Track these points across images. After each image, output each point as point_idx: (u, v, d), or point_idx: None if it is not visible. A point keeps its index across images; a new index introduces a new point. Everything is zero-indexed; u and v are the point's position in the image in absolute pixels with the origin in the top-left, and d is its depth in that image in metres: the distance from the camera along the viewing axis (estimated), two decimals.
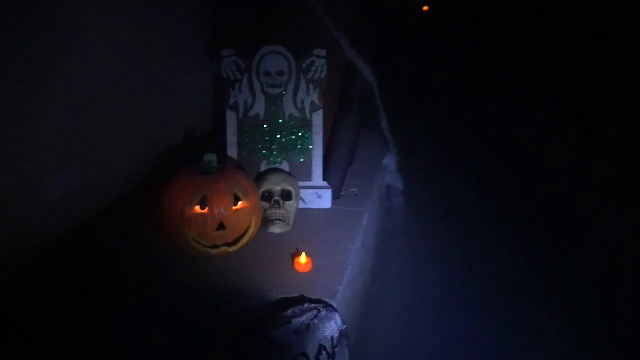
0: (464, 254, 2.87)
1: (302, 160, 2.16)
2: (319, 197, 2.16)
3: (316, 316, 1.57)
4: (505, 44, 3.45)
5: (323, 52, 2.12)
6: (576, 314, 2.48)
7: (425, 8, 4.49)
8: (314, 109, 2.15)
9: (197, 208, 1.75)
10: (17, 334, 1.50)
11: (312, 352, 1.56)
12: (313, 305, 1.60)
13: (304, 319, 1.56)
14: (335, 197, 2.21)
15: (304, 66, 2.12)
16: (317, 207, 2.16)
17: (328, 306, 1.61)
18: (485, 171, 3.31)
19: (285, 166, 2.16)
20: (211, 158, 1.84)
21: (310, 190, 2.15)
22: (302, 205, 2.11)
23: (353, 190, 2.34)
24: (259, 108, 2.14)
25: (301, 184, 2.12)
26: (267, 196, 2.00)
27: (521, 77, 3.42)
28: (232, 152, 2.15)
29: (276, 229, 1.97)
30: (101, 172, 2.02)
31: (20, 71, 1.60)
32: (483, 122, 3.53)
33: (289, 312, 1.57)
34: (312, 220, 2.09)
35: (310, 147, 2.16)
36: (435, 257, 2.81)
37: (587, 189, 2.92)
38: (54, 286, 1.67)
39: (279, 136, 2.15)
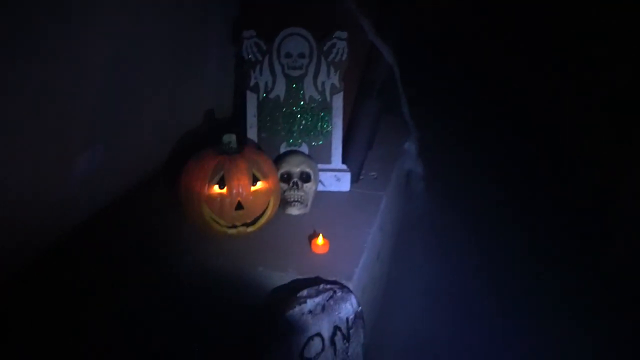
0: (483, 241, 2.86)
1: (321, 142, 2.16)
2: (338, 180, 2.16)
3: (331, 297, 1.58)
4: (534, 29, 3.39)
5: (344, 34, 2.11)
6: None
7: None
8: (334, 91, 2.14)
9: (216, 188, 1.77)
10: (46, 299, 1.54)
11: (327, 332, 1.58)
12: (329, 286, 1.61)
13: (319, 299, 1.57)
14: (354, 180, 2.21)
15: (324, 48, 2.12)
16: (336, 189, 2.16)
17: (343, 287, 1.62)
18: (510, 160, 3.28)
19: (305, 148, 2.16)
20: (230, 139, 1.85)
21: (329, 173, 2.15)
22: (320, 188, 2.11)
23: (372, 174, 2.33)
24: (280, 89, 2.14)
25: (320, 166, 2.13)
26: (286, 178, 2.01)
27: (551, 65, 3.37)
28: (252, 133, 2.15)
29: (294, 211, 1.98)
30: (125, 152, 2.04)
31: (44, 50, 1.61)
32: (508, 109, 3.48)
33: (305, 292, 1.58)
34: (331, 202, 2.09)
35: (330, 129, 2.16)
36: (455, 243, 2.81)
37: (617, 187, 2.88)
38: (76, 265, 1.70)
39: (298, 118, 2.15)
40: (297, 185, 1.99)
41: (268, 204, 1.85)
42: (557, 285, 2.61)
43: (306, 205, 2.00)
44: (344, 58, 2.13)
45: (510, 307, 2.50)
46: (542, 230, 2.92)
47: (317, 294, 1.57)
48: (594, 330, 2.35)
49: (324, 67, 2.13)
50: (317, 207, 2.04)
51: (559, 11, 3.11)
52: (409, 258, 2.71)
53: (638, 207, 2.75)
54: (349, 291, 1.63)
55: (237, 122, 2.27)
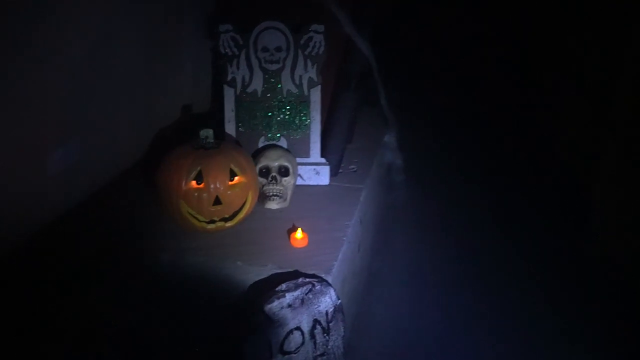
0: (465, 232, 2.88)
1: (299, 136, 2.16)
2: (317, 173, 2.15)
3: (310, 290, 1.58)
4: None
5: (321, 28, 2.10)
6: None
7: None
8: (312, 85, 2.14)
9: (194, 183, 1.75)
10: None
11: (306, 326, 1.58)
12: (308, 279, 1.61)
13: (298, 293, 1.57)
14: (334, 173, 2.21)
15: (301, 42, 2.11)
16: (315, 183, 2.16)
17: (322, 281, 1.62)
18: (489, 150, 3.30)
19: (283, 142, 2.16)
20: (207, 133, 1.83)
21: (308, 167, 2.15)
22: (299, 182, 2.11)
23: (352, 167, 2.34)
24: (257, 84, 2.13)
25: (299, 160, 2.12)
26: (265, 172, 2.00)
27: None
28: (230, 128, 2.14)
29: (273, 205, 1.97)
30: (101, 147, 2.02)
31: (15, 45, 1.59)
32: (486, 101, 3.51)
33: (284, 286, 1.58)
34: (310, 196, 2.09)
35: (308, 123, 2.15)
36: (435, 234, 2.82)
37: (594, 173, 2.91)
38: (51, 261, 1.68)
39: (276, 112, 2.14)
40: (276, 179, 1.98)
41: (246, 199, 1.84)
42: (538, 273, 2.64)
43: (285, 200, 1.99)
44: (321, 51, 2.12)
45: (490, 296, 2.52)
46: (522, 219, 2.95)
47: (296, 287, 1.57)
48: (576, 319, 2.38)
49: (301, 61, 2.12)
50: (296, 201, 2.03)
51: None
52: (390, 250, 2.72)
53: (615, 192, 2.78)
54: (328, 284, 1.62)
55: (215, 117, 2.26)
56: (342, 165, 2.32)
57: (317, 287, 1.59)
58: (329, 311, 1.62)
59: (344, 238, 1.86)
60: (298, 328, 1.56)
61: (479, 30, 3.35)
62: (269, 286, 1.60)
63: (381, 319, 2.37)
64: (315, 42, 2.12)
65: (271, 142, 2.15)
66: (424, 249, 2.72)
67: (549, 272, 2.64)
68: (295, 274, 1.65)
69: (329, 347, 1.62)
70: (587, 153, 2.94)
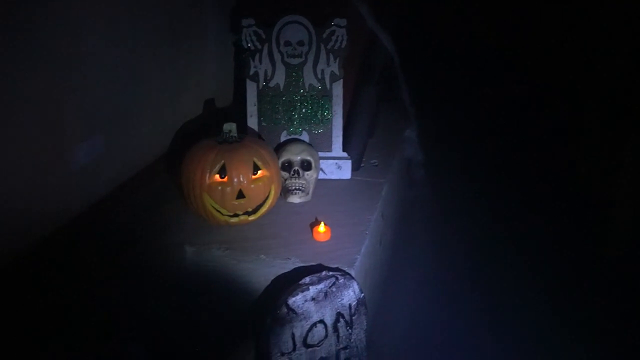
0: (484, 229, 2.86)
1: (321, 130, 2.16)
2: (339, 167, 2.16)
3: (334, 284, 1.58)
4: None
5: (343, 22, 2.10)
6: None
7: None
8: (334, 79, 2.14)
9: (217, 177, 1.77)
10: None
11: (329, 319, 1.58)
12: (331, 273, 1.61)
13: (321, 286, 1.57)
14: (355, 168, 2.21)
15: (324, 36, 2.11)
16: (337, 177, 2.16)
17: (345, 274, 1.62)
18: (508, 151, 3.27)
19: (305, 136, 2.16)
20: (230, 127, 1.84)
21: (330, 161, 2.15)
22: (321, 176, 2.11)
23: (373, 161, 2.33)
24: (279, 78, 2.13)
25: (321, 154, 2.12)
26: (287, 166, 2.00)
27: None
28: (252, 122, 2.15)
29: (295, 199, 1.98)
30: (125, 142, 2.04)
31: (42, 45, 1.61)
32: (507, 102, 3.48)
33: (307, 279, 1.58)
34: (332, 190, 2.09)
35: (330, 117, 2.15)
36: (453, 231, 2.81)
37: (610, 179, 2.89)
38: (78, 253, 1.70)
39: (298, 106, 2.15)
40: (298, 173, 1.98)
41: (269, 193, 1.85)
42: (554, 275, 2.62)
43: (307, 193, 2.00)
44: (343, 45, 2.12)
45: (504, 298, 2.51)
46: (540, 221, 2.92)
47: (320, 281, 1.58)
48: (588, 323, 2.37)
49: (323, 55, 2.12)
50: (318, 195, 2.04)
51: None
52: (410, 245, 2.72)
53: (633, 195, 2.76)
54: (351, 278, 1.63)
55: (238, 111, 2.27)
56: (364, 159, 2.31)
57: (341, 281, 1.59)
58: (352, 304, 1.62)
59: (367, 232, 1.86)
60: (321, 321, 1.57)
61: (504, 30, 3.32)
62: (293, 279, 1.61)
63: (399, 314, 2.37)
64: (337, 36, 2.11)
65: (293, 137, 2.15)
66: (444, 245, 2.71)
67: (567, 276, 2.61)
68: (318, 268, 1.65)
69: (352, 340, 1.62)
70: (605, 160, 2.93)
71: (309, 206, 1.98)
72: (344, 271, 1.64)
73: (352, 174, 2.18)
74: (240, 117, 2.13)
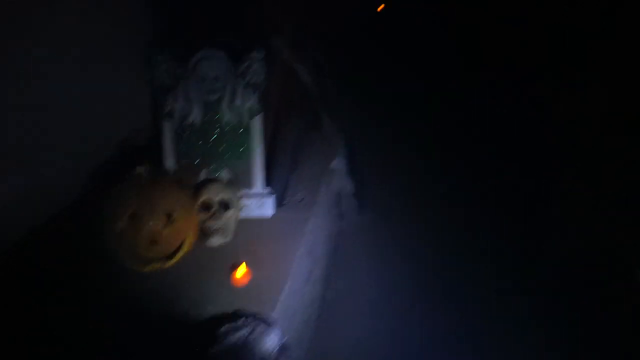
0: (421, 255, 2.84)
1: (242, 167, 2.09)
2: (261, 204, 2.09)
3: (252, 332, 1.51)
4: None
5: (261, 54, 2.06)
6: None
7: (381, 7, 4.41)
8: (253, 113, 2.08)
9: (129, 223, 1.68)
10: None
11: None
12: (249, 320, 1.54)
13: (239, 335, 1.50)
14: (278, 204, 2.14)
15: (241, 69, 2.05)
16: (259, 215, 2.09)
17: (265, 321, 1.55)
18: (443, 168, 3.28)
19: (226, 174, 2.09)
20: (142, 170, 1.76)
21: (252, 198, 2.08)
22: (243, 214, 2.04)
23: (298, 195, 2.28)
24: (196, 115, 2.06)
25: (242, 192, 2.05)
26: (206, 207, 1.92)
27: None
28: (170, 162, 2.07)
29: (214, 242, 1.90)
30: (38, 183, 1.93)
31: None
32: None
33: (223, 329, 1.51)
34: (254, 229, 2.02)
35: (251, 153, 2.09)
36: (392, 258, 2.77)
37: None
38: None
39: (217, 143, 2.08)
40: (217, 214, 1.91)
41: (185, 236, 1.77)
42: (502, 288, 2.60)
43: (227, 235, 1.92)
44: (261, 78, 2.07)
45: (453, 316, 2.48)
46: (484, 239, 2.91)
47: (236, 330, 1.50)
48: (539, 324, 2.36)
49: (241, 89, 2.06)
50: (239, 234, 1.96)
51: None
52: (346, 277, 2.67)
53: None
54: (272, 323, 1.56)
55: (156, 148, 2.18)
56: (288, 194, 2.25)
57: (259, 328, 1.52)
58: (274, 351, 1.55)
59: (290, 271, 1.80)
60: None
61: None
62: (209, 330, 1.53)
63: (340, 347, 2.31)
64: (255, 69, 2.07)
65: (213, 175, 2.07)
66: (380, 274, 2.68)
67: (518, 293, 2.60)
68: (235, 315, 1.58)
69: None
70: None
71: (230, 247, 1.91)
72: (262, 318, 1.57)
73: (276, 210, 2.12)
74: (158, 155, 2.05)
